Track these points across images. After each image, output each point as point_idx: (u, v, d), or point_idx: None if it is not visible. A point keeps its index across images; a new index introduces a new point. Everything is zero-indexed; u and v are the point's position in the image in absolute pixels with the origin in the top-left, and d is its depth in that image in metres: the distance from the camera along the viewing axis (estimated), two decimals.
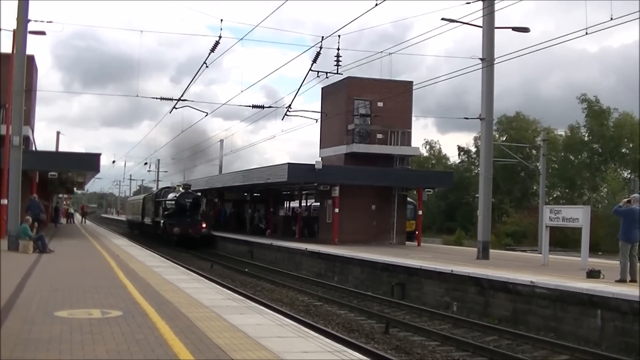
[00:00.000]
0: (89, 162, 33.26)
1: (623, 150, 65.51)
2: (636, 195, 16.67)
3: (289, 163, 33.06)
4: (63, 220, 63.93)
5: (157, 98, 29.73)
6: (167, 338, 8.23)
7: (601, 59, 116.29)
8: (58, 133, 59.41)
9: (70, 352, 7.37)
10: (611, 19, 16.80)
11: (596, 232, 37.35)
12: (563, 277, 16.67)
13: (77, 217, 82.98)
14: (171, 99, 29.94)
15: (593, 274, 16.81)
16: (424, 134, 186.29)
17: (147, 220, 50.49)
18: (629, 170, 63.53)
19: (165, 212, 42.91)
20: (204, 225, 42.64)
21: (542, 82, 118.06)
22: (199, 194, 46.45)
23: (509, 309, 16.23)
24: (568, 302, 14.44)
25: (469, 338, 14.20)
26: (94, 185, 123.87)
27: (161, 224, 43.06)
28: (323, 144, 37.44)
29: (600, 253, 37.70)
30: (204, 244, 42.27)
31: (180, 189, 43.71)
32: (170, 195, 43.98)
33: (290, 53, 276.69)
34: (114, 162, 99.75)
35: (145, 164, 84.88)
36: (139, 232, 55.91)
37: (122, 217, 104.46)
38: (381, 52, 26.50)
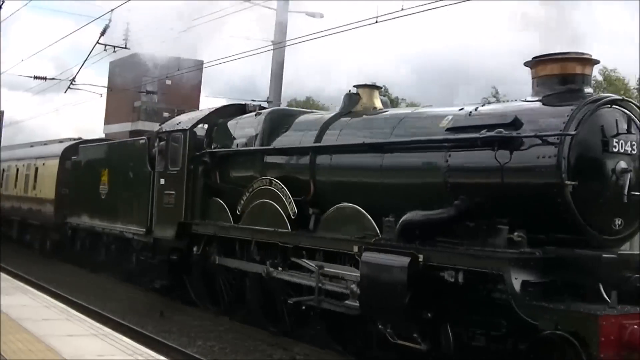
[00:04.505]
0: None
1: None
2: None
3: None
4: None
5: None
6: None
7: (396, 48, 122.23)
8: None
9: None
10: (402, 9, 17.51)
11: None
12: None
13: None
14: None
15: None
16: None
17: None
18: None
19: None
20: None
21: (336, 68, 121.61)
22: None
23: None
24: None
25: None
26: None
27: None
28: (108, 120, 36.29)
29: None
30: None
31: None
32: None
33: (84, 24, 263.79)
34: None
35: None
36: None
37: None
38: (172, 28, 25.82)
